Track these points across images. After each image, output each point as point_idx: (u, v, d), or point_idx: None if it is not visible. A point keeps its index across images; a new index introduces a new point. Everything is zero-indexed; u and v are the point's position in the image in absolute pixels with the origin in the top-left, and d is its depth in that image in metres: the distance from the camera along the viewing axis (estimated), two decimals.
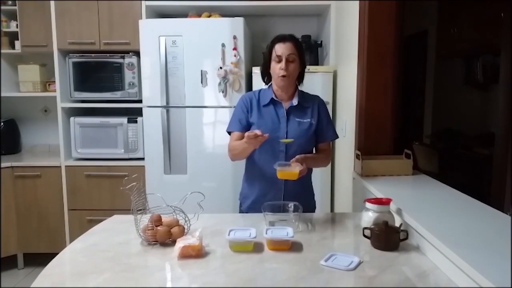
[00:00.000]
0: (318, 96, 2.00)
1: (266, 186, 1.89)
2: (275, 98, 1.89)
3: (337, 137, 2.02)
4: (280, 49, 1.81)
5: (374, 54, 2.26)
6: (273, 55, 1.83)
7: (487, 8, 3.42)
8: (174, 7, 3.22)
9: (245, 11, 3.29)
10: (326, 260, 1.31)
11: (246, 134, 1.67)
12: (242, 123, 1.90)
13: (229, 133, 1.96)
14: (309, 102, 1.93)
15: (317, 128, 1.91)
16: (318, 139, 1.95)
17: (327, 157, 2.00)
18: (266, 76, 1.94)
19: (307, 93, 1.98)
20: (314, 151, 1.99)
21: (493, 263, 1.09)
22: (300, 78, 1.93)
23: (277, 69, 1.82)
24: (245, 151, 1.82)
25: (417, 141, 4.20)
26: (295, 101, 1.89)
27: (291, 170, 1.67)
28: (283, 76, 1.81)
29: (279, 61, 1.81)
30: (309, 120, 1.89)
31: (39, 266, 3.24)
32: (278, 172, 1.68)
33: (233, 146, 1.87)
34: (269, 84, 1.96)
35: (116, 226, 1.67)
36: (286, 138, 1.84)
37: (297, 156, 1.73)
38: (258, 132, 1.66)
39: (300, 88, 1.97)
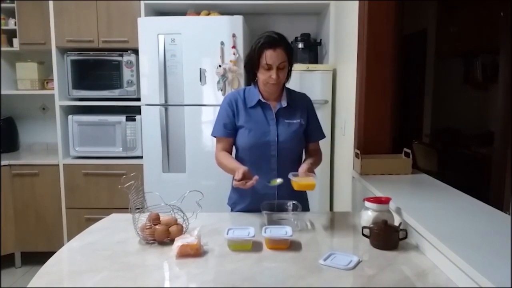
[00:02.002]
0: (305, 95, 1.93)
1: (259, 194, 1.76)
2: (262, 100, 1.80)
3: (325, 136, 1.96)
4: (271, 58, 1.67)
5: (374, 53, 2.25)
6: (262, 61, 1.69)
7: (486, 7, 3.42)
8: (173, 5, 3.21)
9: (244, 9, 3.28)
10: (325, 259, 1.30)
11: (237, 176, 1.57)
12: (227, 128, 1.82)
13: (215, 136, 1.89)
14: (297, 102, 1.85)
15: (307, 128, 1.85)
16: (309, 139, 1.88)
17: (321, 157, 1.93)
18: (252, 75, 1.80)
19: (293, 91, 1.90)
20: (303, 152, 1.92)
21: (493, 263, 1.08)
22: (287, 76, 1.81)
23: (266, 76, 1.70)
24: (231, 174, 1.74)
25: (417, 140, 4.20)
26: (284, 103, 1.80)
27: (309, 181, 1.57)
28: (274, 84, 1.72)
29: (269, 69, 1.69)
30: (298, 121, 1.81)
31: (37, 264, 3.20)
32: (295, 184, 1.58)
33: (222, 163, 1.80)
34: (254, 81, 1.83)
35: (114, 225, 1.67)
36: (277, 140, 1.76)
37: (305, 166, 1.66)
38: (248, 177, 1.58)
39: (288, 85, 1.88)
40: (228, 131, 1.82)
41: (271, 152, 1.77)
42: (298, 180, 1.59)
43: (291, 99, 1.83)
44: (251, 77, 1.83)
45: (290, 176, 1.62)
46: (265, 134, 1.77)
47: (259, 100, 1.80)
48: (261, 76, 1.73)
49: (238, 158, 1.86)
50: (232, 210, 1.95)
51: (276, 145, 1.76)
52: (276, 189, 1.77)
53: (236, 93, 1.88)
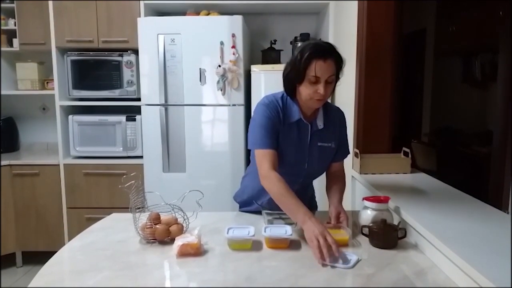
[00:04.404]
0: (339, 110, 1.75)
1: (276, 205, 1.56)
2: (304, 121, 1.59)
3: (349, 152, 1.78)
4: (321, 70, 1.44)
5: (373, 53, 2.26)
6: (309, 73, 1.45)
7: (485, 6, 3.42)
8: (173, 5, 3.21)
9: (243, 9, 3.29)
10: None
11: (325, 237, 1.29)
12: (274, 138, 1.55)
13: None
14: (332, 121, 1.67)
15: (336, 149, 1.69)
16: (333, 158, 1.72)
17: (345, 180, 1.76)
18: (291, 88, 1.57)
19: (329, 105, 1.70)
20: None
21: (492, 262, 1.09)
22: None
23: (311, 91, 1.48)
24: (287, 211, 1.47)
25: (416, 139, 4.20)
26: (320, 124, 1.61)
27: (342, 237, 1.42)
28: (319, 100, 1.51)
29: (316, 82, 1.47)
30: (330, 144, 1.65)
31: (38, 264, 3.24)
32: None
33: (279, 192, 1.46)
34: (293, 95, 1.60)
35: (115, 224, 1.67)
36: (307, 166, 1.62)
37: (335, 214, 1.55)
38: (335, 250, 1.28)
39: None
40: (275, 141, 1.55)
41: (297, 176, 1.66)
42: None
43: (327, 118, 1.64)
44: (288, 91, 1.59)
45: None
46: (296, 157, 1.61)
47: (300, 119, 1.59)
48: (305, 90, 1.50)
49: (254, 171, 1.62)
50: (240, 208, 1.88)
51: (305, 171, 1.65)
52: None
53: (274, 100, 1.59)
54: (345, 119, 1.75)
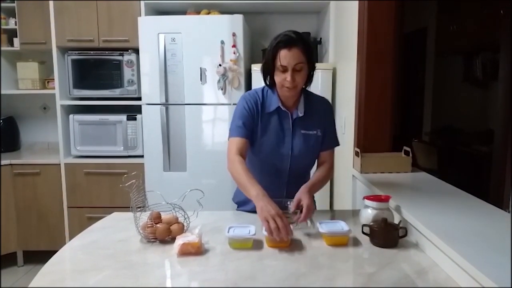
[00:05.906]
0: (325, 100, 1.78)
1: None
2: (282, 108, 1.65)
3: (339, 144, 1.80)
4: (286, 58, 1.52)
5: (374, 52, 2.26)
6: (277, 63, 1.53)
7: (486, 5, 3.42)
8: (173, 4, 3.21)
9: (244, 8, 3.29)
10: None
11: (272, 225, 1.34)
12: (247, 128, 1.62)
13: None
14: (315, 109, 1.69)
15: (322, 137, 1.71)
16: (321, 147, 1.73)
17: (330, 170, 1.74)
18: (268, 79, 1.66)
19: (312, 95, 1.74)
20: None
21: (492, 261, 1.09)
22: (308, 80, 1.65)
23: (281, 79, 1.55)
24: (244, 191, 1.54)
25: (416, 138, 4.21)
26: (300, 111, 1.66)
27: (342, 235, 1.43)
28: (288, 87, 1.56)
29: (284, 71, 1.54)
30: (315, 132, 1.68)
31: (39, 263, 3.24)
32: (327, 239, 1.43)
33: (237, 172, 1.53)
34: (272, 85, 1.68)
35: (116, 224, 1.67)
36: (291, 154, 1.65)
37: (296, 200, 1.53)
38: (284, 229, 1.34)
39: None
40: (247, 131, 1.62)
41: (283, 165, 1.68)
42: (331, 235, 1.43)
43: (309, 106, 1.68)
44: (267, 81, 1.67)
45: (321, 229, 1.45)
46: (279, 146, 1.65)
47: (278, 107, 1.65)
48: (277, 79, 1.58)
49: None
50: (238, 208, 1.89)
51: (289, 158, 1.66)
52: (285, 190, 1.71)
53: (254, 93, 1.69)
54: (331, 109, 1.79)
